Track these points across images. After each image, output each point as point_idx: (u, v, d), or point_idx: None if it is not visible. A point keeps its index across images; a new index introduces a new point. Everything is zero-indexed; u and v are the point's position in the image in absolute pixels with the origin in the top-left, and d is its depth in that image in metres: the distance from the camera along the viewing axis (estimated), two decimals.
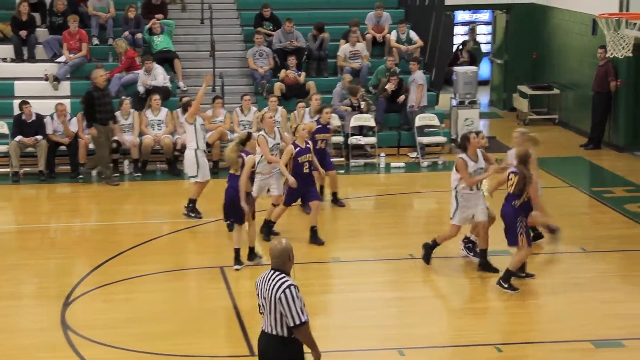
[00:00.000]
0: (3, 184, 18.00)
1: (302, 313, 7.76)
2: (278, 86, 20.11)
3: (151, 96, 18.78)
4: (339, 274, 13.61)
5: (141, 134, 18.58)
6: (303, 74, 20.52)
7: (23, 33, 20.25)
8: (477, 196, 12.96)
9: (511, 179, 12.26)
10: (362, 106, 19.52)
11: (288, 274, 7.88)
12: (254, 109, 18.96)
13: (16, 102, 18.80)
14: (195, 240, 15.06)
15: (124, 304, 12.29)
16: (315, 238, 14.28)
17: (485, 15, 28.30)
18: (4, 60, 20.42)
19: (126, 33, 20.55)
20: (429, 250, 13.35)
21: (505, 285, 12.38)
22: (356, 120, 19.41)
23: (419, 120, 19.79)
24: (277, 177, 14.48)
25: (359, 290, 12.66)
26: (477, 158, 12.92)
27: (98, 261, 13.66)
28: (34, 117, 18.24)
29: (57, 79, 19.84)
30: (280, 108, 18.38)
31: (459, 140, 13.76)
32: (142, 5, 21.27)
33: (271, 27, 21.44)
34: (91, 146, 18.15)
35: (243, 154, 13.00)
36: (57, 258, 14.08)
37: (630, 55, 17.58)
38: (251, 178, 13.22)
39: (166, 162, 18.65)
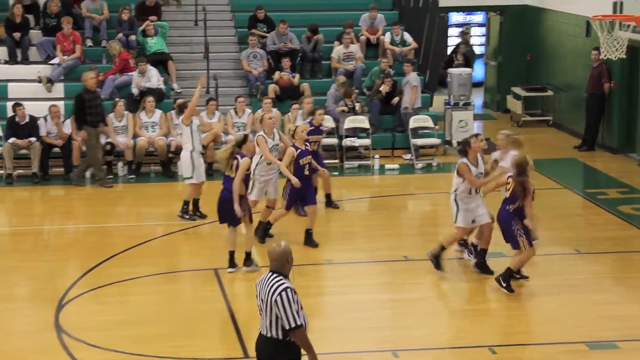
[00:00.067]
0: None
1: (298, 316, 7.75)
2: (272, 88, 20.08)
3: (145, 98, 18.74)
4: (332, 276, 13.60)
5: (135, 136, 18.55)
6: (297, 75, 20.51)
7: (17, 35, 20.22)
8: (476, 199, 12.94)
9: (509, 183, 12.25)
10: (356, 108, 19.51)
11: (286, 277, 7.88)
12: (248, 110, 18.95)
13: (9, 104, 18.79)
14: (189, 243, 15.04)
15: (117, 306, 12.25)
16: (309, 240, 14.26)
17: (479, 17, 28.32)
18: None
19: (120, 35, 20.53)
20: (438, 257, 13.11)
21: (504, 284, 12.34)
22: (350, 122, 19.40)
23: (413, 122, 19.78)
24: (275, 181, 14.48)
25: (353, 292, 12.64)
26: (478, 163, 12.86)
27: (92, 263, 13.62)
28: (27, 119, 18.19)
29: (50, 81, 19.80)
30: (274, 110, 18.37)
31: (459, 145, 13.65)
32: (135, 7, 21.25)
33: (265, 29, 21.43)
34: (83, 149, 18.11)
35: (238, 156, 12.96)
36: (51, 260, 14.03)
37: (624, 56, 17.64)
38: (245, 181, 13.18)
39: (160, 164, 18.61)
